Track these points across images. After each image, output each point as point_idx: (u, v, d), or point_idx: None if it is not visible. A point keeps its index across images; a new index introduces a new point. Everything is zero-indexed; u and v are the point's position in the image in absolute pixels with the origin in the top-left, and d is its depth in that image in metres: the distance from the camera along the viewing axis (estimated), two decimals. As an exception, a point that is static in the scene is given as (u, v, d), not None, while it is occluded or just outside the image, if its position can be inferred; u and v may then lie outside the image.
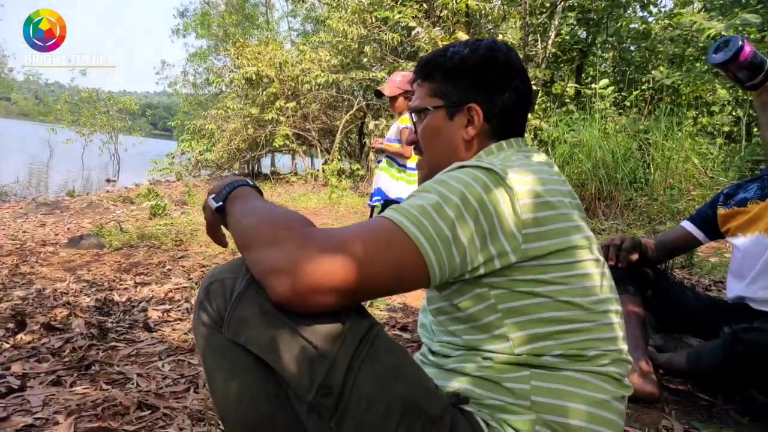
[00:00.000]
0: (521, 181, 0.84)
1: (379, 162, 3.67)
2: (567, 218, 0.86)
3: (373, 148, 3.56)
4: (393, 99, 3.44)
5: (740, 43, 1.41)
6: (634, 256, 1.75)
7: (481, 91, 1.01)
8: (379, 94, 3.55)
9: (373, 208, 3.70)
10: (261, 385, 0.82)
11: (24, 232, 5.31)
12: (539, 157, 0.98)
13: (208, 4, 21.16)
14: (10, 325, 2.27)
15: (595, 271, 0.88)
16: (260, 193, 0.96)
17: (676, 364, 1.66)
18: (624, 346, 0.91)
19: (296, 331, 0.77)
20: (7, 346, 2.04)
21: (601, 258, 0.92)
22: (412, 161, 3.37)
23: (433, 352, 1.00)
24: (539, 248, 0.83)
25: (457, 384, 0.89)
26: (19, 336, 2.14)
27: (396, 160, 3.53)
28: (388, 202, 3.53)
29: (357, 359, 0.78)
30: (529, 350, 0.85)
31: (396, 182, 3.51)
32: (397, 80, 3.43)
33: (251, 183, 0.96)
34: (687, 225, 1.87)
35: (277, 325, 0.78)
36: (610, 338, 0.88)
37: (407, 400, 0.79)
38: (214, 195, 0.94)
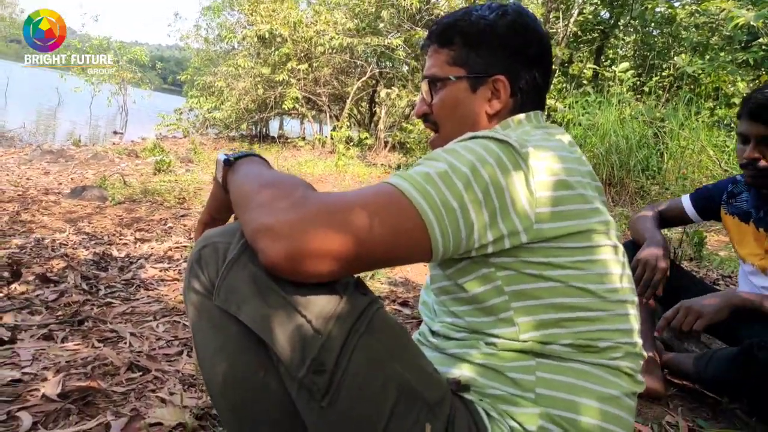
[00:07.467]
0: (537, 157, 0.77)
1: None
2: (585, 200, 0.80)
3: None
4: None
5: None
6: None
7: (508, 61, 0.93)
8: None
9: None
10: (251, 360, 0.78)
11: (27, 179, 5.27)
12: (561, 135, 0.90)
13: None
14: (5, 274, 2.23)
15: (611, 258, 0.83)
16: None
17: (684, 366, 1.60)
18: (638, 340, 0.86)
19: (289, 303, 0.72)
20: (0, 295, 2.01)
21: (620, 246, 0.86)
22: None
23: (433, 332, 0.95)
24: (553, 229, 0.77)
25: (458, 371, 0.84)
26: (13, 286, 2.10)
27: None
28: None
29: (353, 337, 0.73)
30: (536, 337, 0.80)
31: None
32: None
33: (265, 159, 0.92)
34: (686, 203, 1.80)
35: (269, 295, 0.73)
36: (625, 330, 0.83)
37: (404, 383, 0.74)
38: (225, 153, 0.90)
